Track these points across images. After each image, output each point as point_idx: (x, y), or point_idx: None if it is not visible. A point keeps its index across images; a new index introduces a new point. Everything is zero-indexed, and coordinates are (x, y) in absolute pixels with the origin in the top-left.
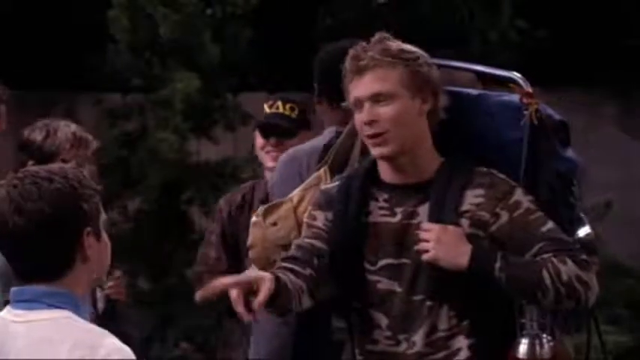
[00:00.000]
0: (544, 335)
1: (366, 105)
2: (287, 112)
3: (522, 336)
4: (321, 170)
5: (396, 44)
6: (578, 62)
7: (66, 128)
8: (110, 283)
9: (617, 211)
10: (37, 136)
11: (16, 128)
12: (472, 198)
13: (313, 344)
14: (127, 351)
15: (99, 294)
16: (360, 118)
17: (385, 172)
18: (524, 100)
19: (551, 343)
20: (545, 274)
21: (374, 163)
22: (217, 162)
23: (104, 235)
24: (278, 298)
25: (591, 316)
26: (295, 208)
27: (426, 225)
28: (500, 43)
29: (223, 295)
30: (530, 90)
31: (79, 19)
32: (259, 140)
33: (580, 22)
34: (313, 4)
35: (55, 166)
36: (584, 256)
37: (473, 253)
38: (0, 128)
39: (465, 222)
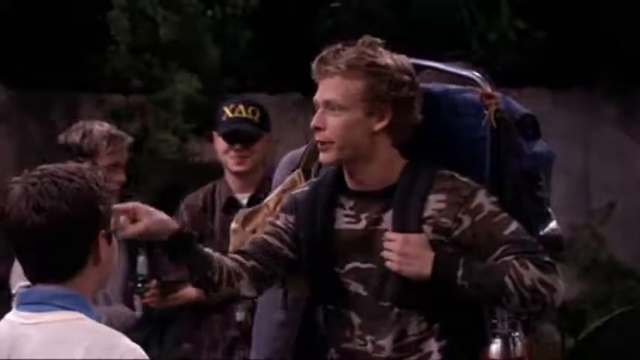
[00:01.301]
0: (516, 334)
1: (319, 110)
2: (249, 116)
3: (494, 336)
4: (295, 173)
5: (371, 54)
6: (578, 63)
7: (100, 127)
8: (150, 292)
9: (618, 212)
10: (75, 137)
11: (18, 128)
12: (434, 203)
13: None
14: (140, 351)
15: (136, 302)
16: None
17: (349, 180)
18: (484, 101)
19: (524, 341)
20: (507, 280)
21: (341, 170)
22: (218, 163)
23: (114, 238)
24: (186, 253)
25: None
26: (271, 214)
27: (389, 235)
28: (499, 44)
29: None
30: (489, 90)
31: (80, 20)
32: (222, 144)
33: (579, 23)
34: (313, 6)
35: (72, 165)
36: (546, 258)
37: (435, 263)
38: None
39: (427, 228)
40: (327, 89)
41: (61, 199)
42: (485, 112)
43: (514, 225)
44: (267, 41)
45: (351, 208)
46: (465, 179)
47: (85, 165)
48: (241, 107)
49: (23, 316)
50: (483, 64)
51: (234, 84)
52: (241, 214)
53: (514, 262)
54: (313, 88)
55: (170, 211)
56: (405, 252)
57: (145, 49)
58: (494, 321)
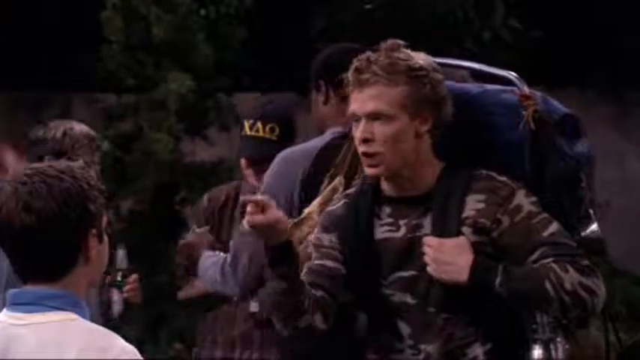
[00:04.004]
0: (557, 339)
1: (363, 121)
2: (267, 135)
3: (534, 341)
4: (336, 181)
5: (404, 57)
6: (572, 62)
7: (79, 126)
8: (129, 286)
9: (613, 211)
10: (56, 133)
11: (11, 127)
12: (473, 204)
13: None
14: (134, 351)
15: (116, 297)
16: (356, 133)
17: (387, 186)
18: (522, 102)
19: (566, 346)
20: (547, 285)
21: (377, 178)
22: (212, 163)
23: (105, 238)
24: (289, 265)
25: (604, 315)
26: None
27: (426, 239)
28: (493, 43)
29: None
30: (526, 90)
31: (73, 20)
32: (243, 159)
33: (574, 23)
34: (307, 5)
35: (62, 163)
36: (586, 262)
37: (472, 269)
38: None
39: (467, 230)
40: (370, 100)
41: (51, 199)
42: (524, 112)
43: (554, 226)
44: (261, 40)
45: (389, 216)
46: (503, 178)
47: (76, 164)
48: (259, 125)
49: (15, 317)
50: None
51: (228, 83)
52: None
53: (553, 265)
54: (308, 87)
55: (163, 210)
56: (439, 258)
57: (138, 48)
58: (534, 326)
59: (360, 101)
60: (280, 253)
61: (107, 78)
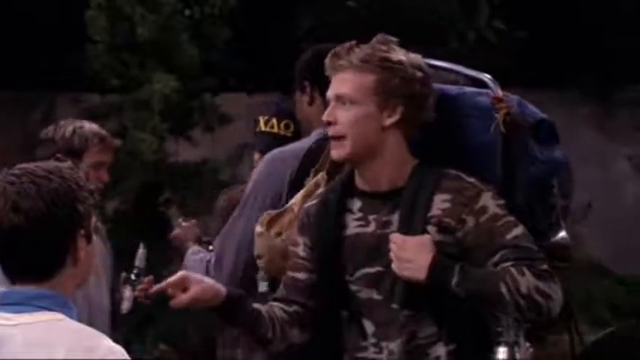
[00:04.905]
0: (521, 341)
1: (331, 104)
2: (282, 132)
3: (499, 344)
4: (319, 176)
5: (385, 50)
6: (555, 63)
7: (89, 125)
8: (142, 286)
9: (595, 211)
10: (65, 132)
11: None
12: (440, 203)
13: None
14: (122, 351)
15: (128, 293)
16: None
17: (360, 179)
18: (495, 104)
19: (530, 350)
20: (503, 288)
21: (352, 172)
22: (196, 163)
23: (94, 238)
24: (237, 316)
25: (571, 317)
26: (297, 218)
27: (392, 237)
28: (478, 44)
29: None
30: (499, 93)
31: (58, 19)
32: (257, 153)
33: (557, 24)
34: (293, 5)
35: (50, 164)
36: (544, 266)
37: (431, 267)
38: None
39: (432, 229)
40: (340, 84)
41: (40, 199)
42: (496, 115)
43: (518, 229)
44: (246, 41)
45: (360, 210)
46: (471, 179)
47: (65, 164)
48: (274, 121)
49: (3, 317)
50: (462, 65)
51: (214, 84)
52: (265, 216)
53: (511, 269)
54: (294, 87)
55: (148, 210)
56: (401, 256)
57: (122, 48)
58: (499, 329)
59: (332, 85)
60: (224, 312)
61: (92, 78)
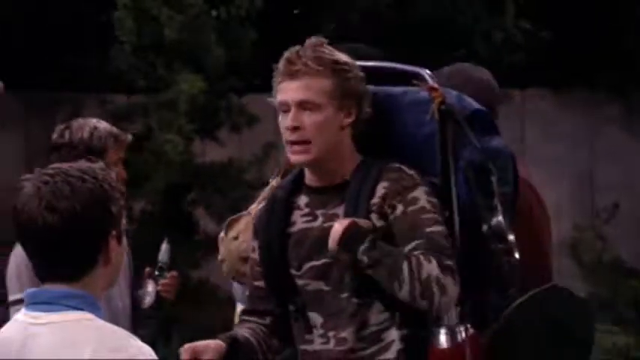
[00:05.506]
0: (462, 325)
1: (293, 110)
2: None
3: (440, 326)
4: (274, 181)
5: (329, 53)
6: (582, 63)
7: (101, 124)
8: (165, 281)
9: (622, 212)
10: (83, 134)
11: (23, 129)
12: (380, 190)
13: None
14: (150, 352)
15: (150, 288)
16: (284, 122)
17: (310, 177)
18: (430, 94)
19: (470, 332)
20: (405, 266)
21: (302, 170)
22: (222, 163)
23: (124, 240)
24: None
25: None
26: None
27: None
28: (504, 44)
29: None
30: (435, 84)
31: (85, 21)
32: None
33: (584, 23)
34: (318, 6)
35: (83, 164)
36: (449, 262)
37: (343, 233)
38: None
39: (374, 216)
40: (301, 89)
41: (74, 199)
42: (432, 105)
43: (437, 227)
44: (272, 41)
45: (307, 205)
46: (411, 172)
47: (97, 165)
48: None
49: (33, 316)
50: (487, 65)
51: (240, 84)
52: (226, 222)
53: (420, 255)
54: None
55: (174, 211)
56: (331, 231)
57: (149, 49)
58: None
59: (292, 90)
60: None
61: (118, 79)
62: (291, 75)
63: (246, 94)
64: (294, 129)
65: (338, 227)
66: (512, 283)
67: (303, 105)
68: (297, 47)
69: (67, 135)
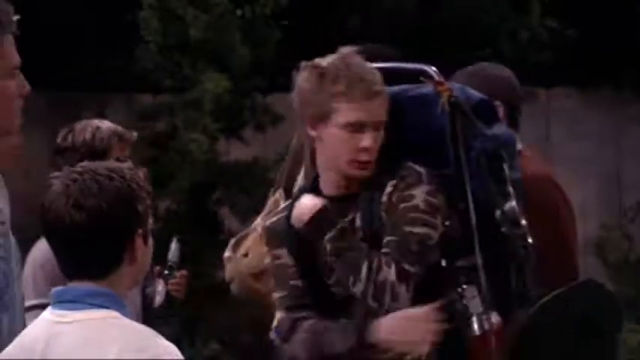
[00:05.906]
0: (489, 312)
1: (369, 130)
2: None
3: (470, 316)
4: (277, 194)
5: (375, 68)
6: (608, 62)
7: (104, 124)
8: (175, 280)
9: None
10: (85, 136)
11: (50, 128)
12: (388, 188)
13: None
14: (176, 351)
15: (160, 287)
16: (354, 142)
17: (329, 185)
18: (437, 89)
19: (498, 317)
20: (364, 265)
21: (315, 180)
22: (247, 162)
23: (150, 239)
24: None
25: None
26: (261, 237)
27: None
28: (530, 43)
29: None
30: (441, 79)
31: (111, 20)
32: None
33: (609, 22)
34: (343, 5)
35: (112, 163)
36: (410, 269)
37: (313, 215)
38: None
39: (384, 215)
40: (379, 110)
41: (101, 197)
42: (441, 100)
43: (422, 229)
44: (297, 40)
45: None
46: (420, 169)
47: (125, 164)
48: None
49: (58, 314)
50: (513, 64)
51: (264, 83)
52: (232, 241)
53: (383, 257)
54: None
55: (199, 210)
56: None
57: (174, 48)
58: (465, 303)
59: (371, 111)
60: None
61: (144, 78)
62: (371, 95)
63: (270, 93)
64: (369, 150)
65: (307, 203)
66: (530, 269)
67: (378, 126)
68: (348, 61)
69: (69, 138)
